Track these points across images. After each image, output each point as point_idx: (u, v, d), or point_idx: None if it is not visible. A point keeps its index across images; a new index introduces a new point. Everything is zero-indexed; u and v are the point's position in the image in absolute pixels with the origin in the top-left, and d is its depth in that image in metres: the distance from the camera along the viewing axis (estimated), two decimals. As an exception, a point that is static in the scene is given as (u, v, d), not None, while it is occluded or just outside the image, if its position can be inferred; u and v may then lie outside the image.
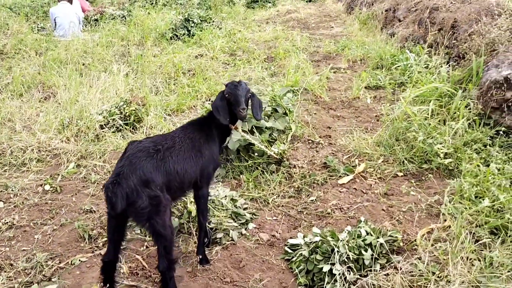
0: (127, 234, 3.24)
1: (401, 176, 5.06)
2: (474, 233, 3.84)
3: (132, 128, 6.29)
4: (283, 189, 4.85)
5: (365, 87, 7.77)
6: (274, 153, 4.98)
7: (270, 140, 5.22)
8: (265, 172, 5.06)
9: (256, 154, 5.07)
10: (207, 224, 4.06)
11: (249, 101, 3.81)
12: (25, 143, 5.67)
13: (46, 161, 5.51)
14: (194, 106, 7.32)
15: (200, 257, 3.72)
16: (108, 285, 3.19)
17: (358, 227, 3.84)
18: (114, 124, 6.12)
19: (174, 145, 3.29)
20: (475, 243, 3.71)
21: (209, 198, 4.23)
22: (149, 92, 7.37)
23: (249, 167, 5.14)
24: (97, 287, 3.11)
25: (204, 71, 9.17)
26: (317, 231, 3.82)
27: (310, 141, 5.84)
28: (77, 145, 5.76)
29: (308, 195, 4.76)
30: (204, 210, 3.66)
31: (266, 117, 5.15)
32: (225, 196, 4.39)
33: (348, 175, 5.08)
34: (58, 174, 5.22)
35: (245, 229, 4.22)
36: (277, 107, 5.31)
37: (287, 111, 5.35)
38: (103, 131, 5.99)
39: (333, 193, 4.77)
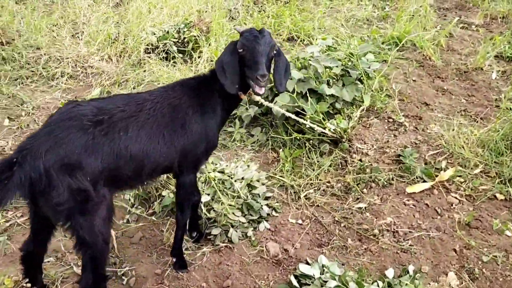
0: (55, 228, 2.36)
1: (500, 200, 3.57)
2: None
3: (188, 57, 5.34)
4: (328, 182, 3.66)
5: (495, 56, 5.89)
6: (329, 130, 3.73)
7: (331, 111, 3.94)
8: (313, 152, 3.88)
9: (307, 126, 3.85)
10: (205, 212, 3.10)
11: (272, 62, 2.60)
12: (63, 54, 5.01)
13: (79, 79, 4.84)
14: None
15: (175, 260, 2.81)
16: (29, 279, 2.41)
17: (400, 282, 2.61)
18: (164, 50, 5.20)
19: (137, 114, 2.24)
20: None
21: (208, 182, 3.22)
22: (223, 16, 6.26)
23: (295, 140, 3.98)
24: (10, 282, 2.35)
25: (303, -1, 7.79)
26: (336, 271, 2.66)
27: (390, 120, 4.43)
28: (117, 66, 4.97)
29: (357, 199, 3.53)
30: (184, 204, 2.67)
31: (330, 80, 3.84)
32: (242, 178, 3.34)
33: (424, 181, 3.71)
34: (84, 98, 4.52)
35: (254, 229, 3.19)
36: (350, 70, 3.95)
37: (363, 77, 3.97)
38: (147, 56, 5.10)
39: (394, 204, 3.48)
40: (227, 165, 3.48)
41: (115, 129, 2.14)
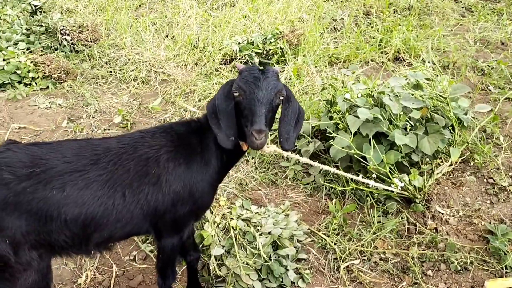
0: None
1: None
2: None
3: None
4: (384, 252, 2.92)
5: None
6: (396, 186, 2.97)
7: (405, 163, 3.16)
8: (375, 209, 3.15)
9: (374, 174, 3.13)
10: (215, 266, 2.62)
11: (278, 109, 2.02)
12: (142, 56, 4.88)
13: (150, 84, 4.65)
14: (372, 60, 5.35)
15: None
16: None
17: None
18: (244, 61, 4.79)
19: (87, 168, 1.82)
20: None
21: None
22: (324, 27, 5.65)
23: (357, 191, 3.29)
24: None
25: (433, 12, 6.83)
26: None
27: (490, 180, 3.48)
28: (190, 75, 4.70)
29: (415, 284, 2.75)
30: (166, 269, 2.21)
31: (409, 124, 3.05)
32: (269, 233, 2.78)
33: (516, 275, 2.78)
34: (146, 107, 4.31)
35: (269, 299, 2.62)
36: (436, 114, 3.11)
37: (454, 124, 3.10)
38: (221, 67, 4.74)
39: (462, 301, 2.64)
40: (257, 212, 2.95)
41: (47, 186, 1.74)
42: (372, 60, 5.38)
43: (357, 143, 3.12)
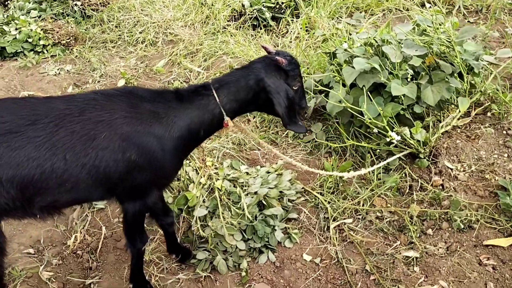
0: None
1: None
2: None
3: (284, 26, 4.64)
4: (379, 210, 2.75)
5: None
6: (391, 139, 2.74)
7: (407, 116, 2.91)
8: (375, 163, 2.96)
9: (375, 130, 2.92)
10: (198, 227, 2.57)
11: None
12: (150, 18, 4.79)
13: (157, 46, 4.57)
14: (396, 8, 4.97)
15: (131, 286, 2.36)
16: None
17: None
18: (253, 17, 4.59)
19: (22, 129, 1.72)
20: None
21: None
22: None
23: (358, 148, 3.10)
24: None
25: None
26: None
27: (510, 132, 3.17)
28: (198, 34, 4.56)
29: (410, 243, 2.57)
30: (131, 234, 2.14)
31: (409, 73, 2.78)
32: (255, 192, 2.67)
33: (526, 233, 2.54)
34: (151, 70, 4.25)
35: (253, 259, 2.54)
36: (444, 61, 2.81)
37: (462, 72, 2.79)
38: (228, 24, 4.56)
39: (461, 261, 2.44)
40: (246, 172, 2.85)
41: None
42: (396, 9, 5.01)
43: (355, 96, 2.91)
